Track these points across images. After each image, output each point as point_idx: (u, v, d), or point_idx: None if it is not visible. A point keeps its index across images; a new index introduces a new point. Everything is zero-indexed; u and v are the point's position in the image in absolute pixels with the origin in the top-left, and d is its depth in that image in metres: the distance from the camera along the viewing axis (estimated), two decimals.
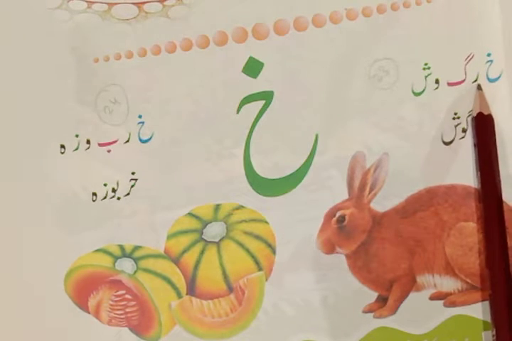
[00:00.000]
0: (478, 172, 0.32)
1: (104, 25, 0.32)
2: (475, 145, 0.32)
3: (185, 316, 0.34)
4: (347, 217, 0.33)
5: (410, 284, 0.33)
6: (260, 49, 0.32)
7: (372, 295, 0.33)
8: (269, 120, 0.33)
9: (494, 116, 0.32)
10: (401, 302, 0.33)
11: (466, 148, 0.33)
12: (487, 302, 0.33)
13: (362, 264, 0.33)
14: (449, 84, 0.33)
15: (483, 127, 0.32)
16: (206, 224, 0.33)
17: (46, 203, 0.33)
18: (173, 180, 0.33)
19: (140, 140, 0.33)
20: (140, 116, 0.33)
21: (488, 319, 0.33)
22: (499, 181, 0.32)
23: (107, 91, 0.33)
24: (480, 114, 0.32)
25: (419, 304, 0.33)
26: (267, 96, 0.33)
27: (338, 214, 0.33)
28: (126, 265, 0.34)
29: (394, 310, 0.33)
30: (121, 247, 0.33)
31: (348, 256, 0.33)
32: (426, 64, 0.32)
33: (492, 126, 0.32)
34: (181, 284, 0.34)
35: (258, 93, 0.33)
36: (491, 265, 0.31)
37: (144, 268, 0.33)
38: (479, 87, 0.32)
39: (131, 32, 0.32)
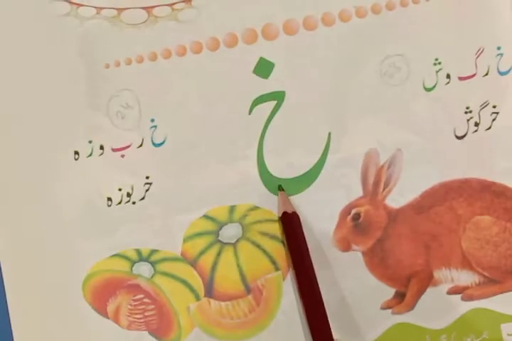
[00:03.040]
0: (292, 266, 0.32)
1: (114, 31, 0.32)
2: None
3: (204, 318, 0.34)
4: (362, 214, 0.33)
5: (427, 279, 0.33)
6: (270, 49, 0.33)
7: (389, 292, 0.33)
8: (281, 120, 0.33)
9: (506, 109, 0.33)
10: (419, 297, 0.33)
11: (479, 142, 0.33)
12: (505, 295, 0.33)
13: (378, 261, 0.33)
14: (460, 79, 0.33)
15: (290, 225, 0.32)
16: (222, 226, 0.33)
17: (62, 210, 0.33)
18: (188, 182, 0.33)
19: (153, 144, 0.33)
20: (152, 120, 0.33)
21: (507, 311, 0.33)
22: (312, 269, 0.31)
23: (119, 97, 0.33)
24: (285, 213, 0.32)
25: (436, 299, 0.33)
26: (278, 97, 0.33)
27: (353, 211, 0.33)
28: (144, 269, 0.33)
29: (412, 306, 0.33)
30: (138, 251, 0.33)
31: (364, 253, 0.33)
32: (436, 59, 0.32)
33: (298, 222, 0.32)
34: (199, 286, 0.34)
35: (270, 93, 0.33)
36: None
37: (162, 271, 0.33)
38: (280, 188, 0.33)
39: (141, 36, 0.33)
